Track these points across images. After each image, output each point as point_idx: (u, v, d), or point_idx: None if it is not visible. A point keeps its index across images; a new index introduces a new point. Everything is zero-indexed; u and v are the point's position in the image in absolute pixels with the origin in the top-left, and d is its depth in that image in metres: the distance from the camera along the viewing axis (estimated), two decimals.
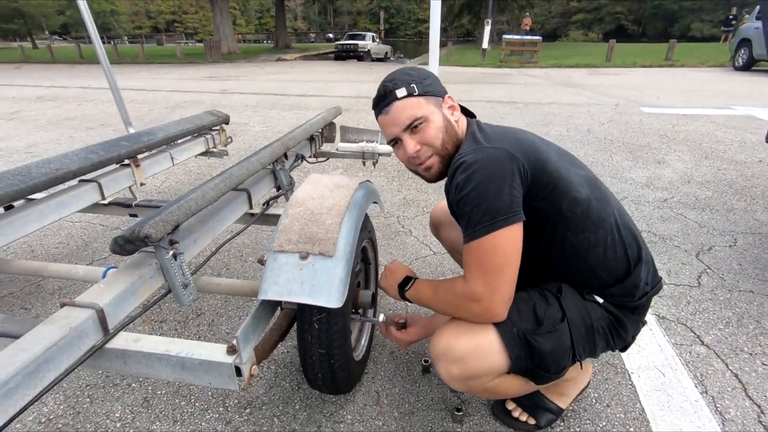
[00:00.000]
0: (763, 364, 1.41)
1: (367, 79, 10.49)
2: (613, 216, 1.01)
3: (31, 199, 1.55)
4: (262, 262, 1.09)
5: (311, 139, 2.34)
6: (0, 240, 1.37)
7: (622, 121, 5.27)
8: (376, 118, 1.07)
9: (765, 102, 6.45)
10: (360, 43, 19.42)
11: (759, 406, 1.25)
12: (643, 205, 2.71)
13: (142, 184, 1.99)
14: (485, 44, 15.43)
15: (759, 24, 10.24)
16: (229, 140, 2.73)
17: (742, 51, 11.18)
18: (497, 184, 0.87)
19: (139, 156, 1.99)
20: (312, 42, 47.28)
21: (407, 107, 0.99)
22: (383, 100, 1.02)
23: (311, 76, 11.19)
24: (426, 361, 1.39)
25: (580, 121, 5.30)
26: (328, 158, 2.55)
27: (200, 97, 7.41)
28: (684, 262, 2.03)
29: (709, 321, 1.62)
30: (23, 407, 0.75)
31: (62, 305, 0.95)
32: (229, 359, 0.93)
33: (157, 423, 1.22)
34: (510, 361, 0.95)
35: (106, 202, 1.83)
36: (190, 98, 7.24)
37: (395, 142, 1.05)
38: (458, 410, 1.20)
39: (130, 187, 1.93)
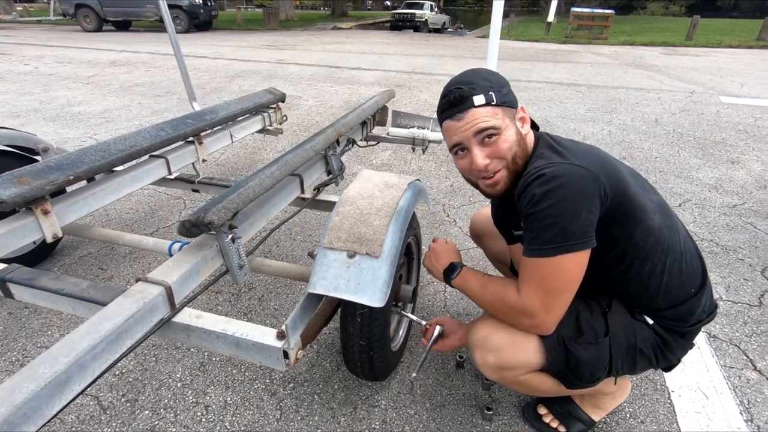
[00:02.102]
0: None
1: (422, 53, 10.25)
2: (680, 244, 0.98)
3: (111, 173, 1.71)
4: (312, 255, 1.16)
5: (363, 123, 2.37)
6: (84, 209, 1.53)
7: (696, 111, 4.86)
8: (441, 122, 1.00)
9: None
10: (417, 12, 18.83)
11: None
12: (708, 210, 2.54)
13: (204, 161, 2.12)
14: (551, 17, 14.51)
15: None
16: (285, 118, 2.81)
17: None
18: (576, 206, 0.84)
19: (202, 134, 2.11)
20: (369, 10, 46.46)
21: (484, 116, 0.92)
22: (457, 105, 0.93)
23: (366, 47, 11.08)
24: (460, 357, 1.43)
25: (648, 109, 4.94)
26: (378, 142, 2.57)
27: (258, 66, 7.59)
28: (746, 278, 1.91)
29: (766, 345, 1.54)
30: (107, 368, 0.87)
31: (137, 280, 1.06)
32: (279, 344, 1.01)
33: (212, 387, 1.36)
34: (546, 361, 0.97)
35: (172, 177, 1.98)
36: (248, 68, 7.43)
37: (459, 149, 0.99)
38: (488, 409, 1.25)
39: (193, 163, 2.06)
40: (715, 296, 1.79)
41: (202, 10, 14.56)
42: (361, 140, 2.40)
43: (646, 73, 7.41)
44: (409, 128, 2.53)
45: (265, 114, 2.65)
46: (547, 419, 1.22)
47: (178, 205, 2.57)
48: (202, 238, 1.22)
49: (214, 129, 2.23)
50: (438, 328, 1.20)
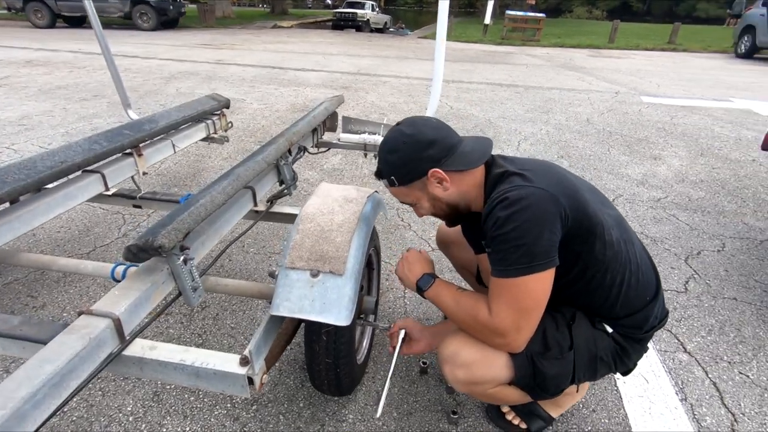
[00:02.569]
0: (740, 373, 1.50)
1: (366, 53, 10.27)
2: (636, 256, 1.04)
3: (39, 192, 1.56)
4: (273, 275, 1.12)
5: (314, 130, 2.33)
6: (9, 234, 1.39)
7: (621, 110, 5.27)
8: None
9: (764, 95, 6.46)
10: (359, 11, 18.83)
11: (733, 415, 1.34)
12: (638, 204, 2.77)
13: (144, 173, 2.00)
14: (488, 19, 15.08)
15: (765, 11, 10.11)
16: (230, 125, 2.71)
17: (746, 38, 11.09)
18: (539, 228, 0.88)
19: (142, 145, 1.98)
20: (309, 8, 45.76)
21: (397, 194, 1.10)
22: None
23: (309, 48, 10.92)
24: (424, 363, 1.45)
25: (580, 109, 5.29)
26: (329, 148, 2.55)
27: (195, 67, 7.23)
28: (673, 267, 2.11)
29: (693, 328, 1.70)
30: (49, 416, 0.80)
31: (80, 314, 0.98)
32: (242, 370, 0.98)
33: (168, 418, 1.28)
34: (514, 376, 1.00)
35: (110, 193, 1.84)
36: (185, 68, 7.06)
37: None
38: (454, 413, 1.28)
39: (132, 177, 1.93)
40: None
41: (171, 7, 13.67)
42: (312, 147, 2.36)
43: (576, 75, 7.93)
44: (360, 134, 2.53)
45: (209, 121, 2.54)
46: (509, 417, 1.28)
47: (117, 220, 2.39)
48: (151, 261, 1.14)
49: (155, 139, 2.10)
50: (401, 333, 1.21)
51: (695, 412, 1.35)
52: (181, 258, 1.11)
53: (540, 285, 0.90)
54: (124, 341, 0.99)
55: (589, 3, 40.62)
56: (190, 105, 2.42)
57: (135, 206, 1.89)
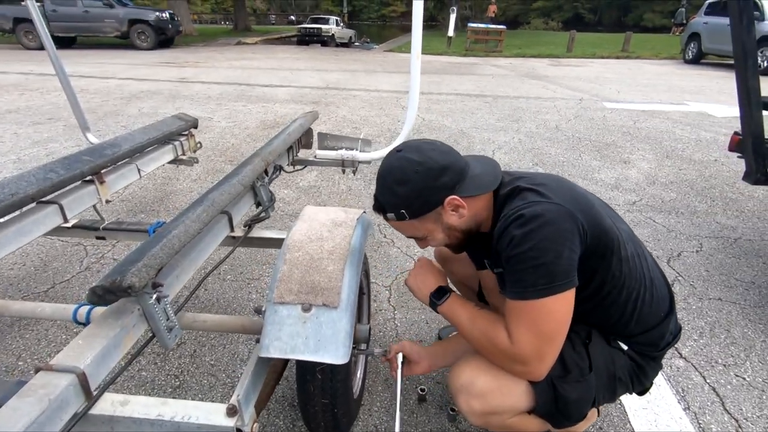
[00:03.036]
0: (737, 376, 1.50)
1: (334, 68, 10.25)
2: (650, 271, 1.01)
3: None
4: (259, 311, 1.03)
5: (289, 148, 2.25)
6: None
7: (587, 116, 5.43)
8: None
9: (715, 98, 6.82)
10: (324, 27, 18.91)
11: (737, 421, 1.33)
12: (615, 208, 2.80)
13: (107, 201, 1.85)
14: (451, 32, 15.42)
15: (708, 19, 10.79)
16: (199, 145, 2.58)
17: (692, 45, 11.77)
18: (558, 246, 0.83)
19: (103, 171, 1.84)
20: (273, 24, 45.63)
21: (404, 228, 1.00)
22: (378, 213, 1.01)
23: (276, 63, 10.80)
24: (422, 390, 1.38)
25: (548, 116, 5.41)
26: (305, 166, 2.46)
27: (158, 86, 7.00)
28: None
29: (684, 332, 1.70)
30: None
31: (37, 370, 0.85)
32: (230, 422, 0.87)
33: None
34: (535, 403, 0.94)
35: (69, 225, 1.68)
36: (147, 87, 6.81)
37: None
38: None
39: (94, 206, 1.78)
40: None
41: (170, 26, 13.39)
42: (288, 165, 2.27)
43: (540, 83, 8.15)
44: (337, 150, 2.46)
45: (177, 143, 2.40)
46: None
47: (78, 252, 2.21)
48: (120, 303, 1.02)
49: (118, 164, 1.96)
50: (399, 356, 1.14)
51: (700, 421, 1.32)
52: (154, 296, 1.00)
53: (561, 307, 0.84)
54: (91, 398, 0.87)
55: (545, 15, 42.45)
56: (155, 126, 2.28)
57: (98, 237, 1.75)
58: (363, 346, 1.41)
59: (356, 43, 20.53)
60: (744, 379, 1.48)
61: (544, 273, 0.82)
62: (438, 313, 1.05)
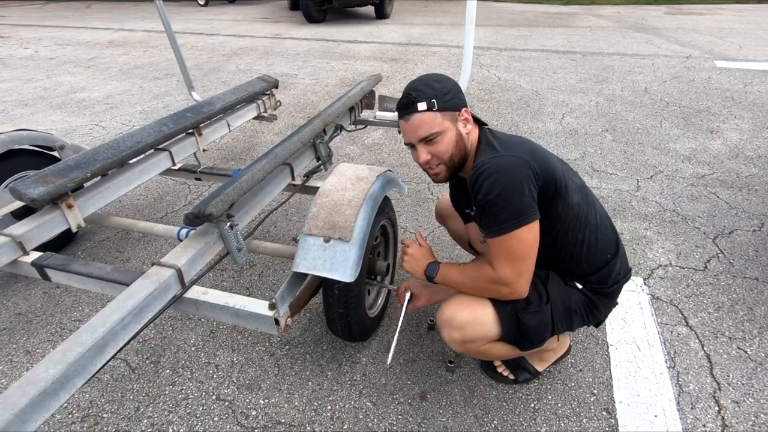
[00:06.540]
0: (739, 348, 1.56)
1: (419, 21, 10.10)
2: (596, 218, 1.20)
3: (122, 167, 1.91)
4: (296, 240, 1.37)
5: (351, 108, 2.52)
6: (101, 201, 1.75)
7: (687, 78, 4.90)
8: (398, 120, 1.21)
9: None
10: None
11: (718, 384, 1.43)
12: (677, 181, 2.71)
13: (204, 150, 2.32)
14: None
15: None
16: (278, 104, 2.97)
17: None
18: (519, 187, 1.03)
19: (201, 125, 2.29)
20: None
21: (425, 121, 1.11)
22: (405, 109, 1.13)
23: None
24: (431, 321, 1.67)
25: (640, 77, 4.99)
26: (366, 126, 2.73)
27: (254, 43, 7.61)
28: (698, 245, 2.11)
29: (701, 305, 1.75)
30: (133, 336, 1.11)
31: (152, 264, 1.29)
32: (270, 313, 1.24)
33: (221, 350, 1.61)
34: (502, 331, 1.18)
35: (176, 167, 2.18)
36: (245, 44, 7.46)
37: (410, 146, 1.20)
38: (451, 362, 1.49)
39: (194, 153, 2.25)
40: (666, 262, 2.00)
41: None
42: (350, 125, 2.56)
43: (644, 37, 7.33)
44: (395, 112, 2.69)
45: (260, 101, 2.81)
46: (500, 369, 1.47)
47: (183, 190, 2.79)
48: (205, 226, 1.43)
49: (212, 120, 2.41)
50: (407, 294, 1.43)
51: (680, 379, 1.45)
52: (228, 224, 1.38)
53: (530, 235, 1.06)
54: (185, 287, 1.30)
55: None
56: (242, 87, 2.70)
57: (196, 179, 2.23)
58: (384, 280, 1.72)
59: None
60: (745, 351, 1.54)
61: (513, 210, 1.03)
62: (435, 283, 1.30)
